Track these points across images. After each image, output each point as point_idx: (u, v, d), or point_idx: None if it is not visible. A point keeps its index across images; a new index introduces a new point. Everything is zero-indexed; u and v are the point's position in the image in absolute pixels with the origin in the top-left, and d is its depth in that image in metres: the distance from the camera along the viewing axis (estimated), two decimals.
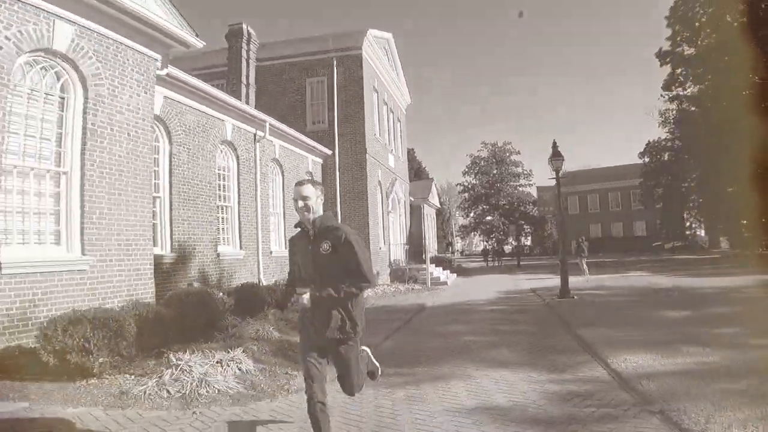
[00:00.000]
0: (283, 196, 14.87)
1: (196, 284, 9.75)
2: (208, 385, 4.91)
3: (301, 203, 3.36)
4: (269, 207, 14.02)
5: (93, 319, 5.01)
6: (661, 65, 33.76)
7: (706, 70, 30.50)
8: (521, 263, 38.10)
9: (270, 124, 13.60)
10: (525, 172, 59.11)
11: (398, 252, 23.03)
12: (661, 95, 35.03)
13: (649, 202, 44.60)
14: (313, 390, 3.25)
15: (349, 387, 3.58)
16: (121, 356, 5.14)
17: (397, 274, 20.36)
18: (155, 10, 7.70)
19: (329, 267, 3.28)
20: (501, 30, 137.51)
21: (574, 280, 14.34)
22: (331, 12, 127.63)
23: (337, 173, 18.05)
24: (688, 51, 32.89)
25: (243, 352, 5.80)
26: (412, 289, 17.72)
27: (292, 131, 15.19)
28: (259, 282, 11.83)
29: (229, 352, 5.73)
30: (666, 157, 39.71)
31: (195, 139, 10.71)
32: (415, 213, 30.31)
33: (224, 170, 12.11)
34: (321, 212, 3.42)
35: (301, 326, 3.48)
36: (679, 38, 33.50)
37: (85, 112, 6.59)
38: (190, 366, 5.15)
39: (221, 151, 11.96)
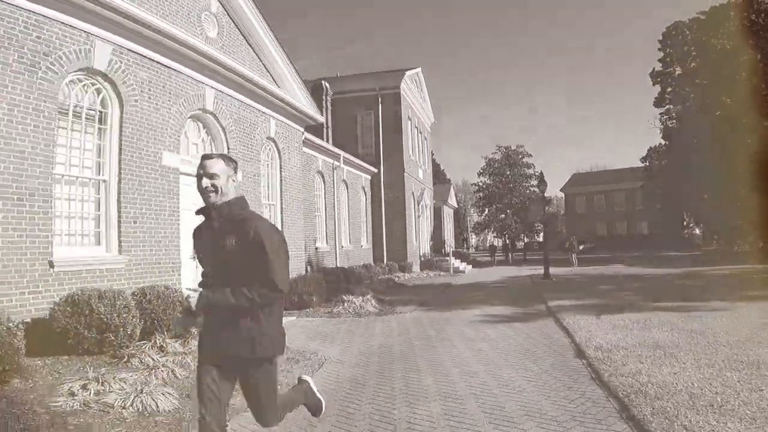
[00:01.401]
0: (348, 207, 21.20)
1: (309, 267, 16.15)
2: (364, 308, 11.30)
3: (206, 182, 2.71)
4: (341, 214, 20.38)
5: (313, 279, 11.45)
6: (654, 84, 39.59)
7: (689, 92, 36.36)
8: (527, 257, 44.16)
9: (343, 157, 19.95)
10: (536, 173, 64.95)
11: (426, 247, 29.44)
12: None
13: (650, 203, 50.19)
14: (205, 420, 2.61)
15: (260, 417, 2.87)
16: (321, 298, 11.55)
17: (426, 264, 26.76)
18: (303, 102, 14.03)
19: (235, 267, 2.66)
20: (513, 29, 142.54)
21: (564, 270, 20.47)
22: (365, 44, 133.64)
23: (382, 187, 24.40)
24: (677, 72, 38.68)
25: (371, 297, 12.18)
26: (439, 275, 24.12)
27: (354, 159, 21.54)
28: (336, 265, 18.21)
29: (363, 296, 12.11)
30: (664, 163, 45.32)
31: (303, 171, 17.08)
32: (437, 214, 36.62)
33: (316, 190, 18.47)
34: (232, 196, 2.76)
35: (200, 337, 2.85)
36: (669, 59, 39.32)
37: (281, 168, 13.02)
38: (352, 301, 11.55)
39: (315, 177, 18.33)
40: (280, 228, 12.81)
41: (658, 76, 39.13)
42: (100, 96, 7.78)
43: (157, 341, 6.34)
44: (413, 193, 26.80)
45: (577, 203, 63.55)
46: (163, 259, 8.57)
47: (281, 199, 13.16)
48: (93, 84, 7.66)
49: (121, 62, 7.95)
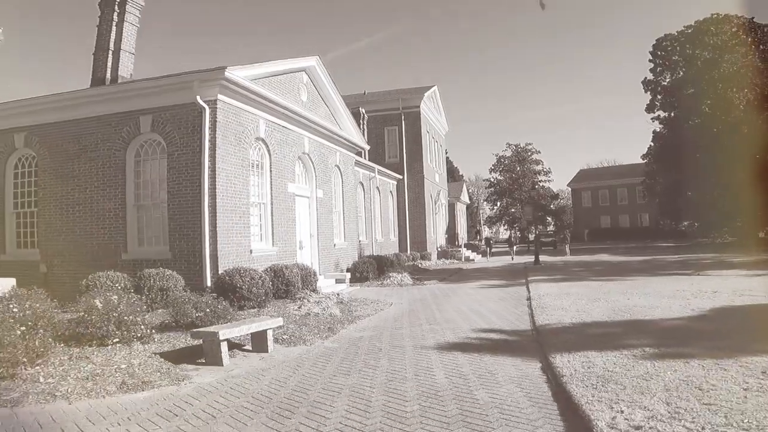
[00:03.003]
0: (380, 208, 27.36)
1: (358, 255, 22.34)
2: (403, 282, 17.56)
3: None
4: (375, 214, 26.56)
5: (368, 262, 17.71)
6: (645, 92, 45.12)
7: (674, 100, 42.00)
8: (530, 248, 50.11)
9: (377, 169, 26.11)
10: (545, 169, 70.95)
11: (441, 240, 35.62)
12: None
13: (651, 198, 55.72)
14: None
15: None
16: (374, 275, 17.81)
17: (443, 254, 32.94)
18: (355, 136, 20.18)
19: None
20: (519, 29, 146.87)
21: (557, 258, 26.52)
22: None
23: (406, 191, 30.55)
24: (666, 81, 44.17)
25: (407, 274, 18.41)
26: (453, 262, 30.28)
27: (385, 170, 27.68)
28: (371, 255, 24.39)
29: (401, 274, 18.34)
30: (654, 166, 50.83)
31: (359, 186, 23.25)
32: (451, 209, 42.69)
33: (358, 196, 24.63)
34: None
35: None
36: (659, 69, 44.81)
37: (343, 184, 19.24)
38: (395, 276, 17.80)
39: (357, 186, 24.48)
40: (344, 228, 19.03)
41: (648, 84, 44.60)
42: (260, 152, 13.99)
43: (308, 291, 12.56)
44: (431, 194, 32.92)
45: (584, 197, 69.18)
46: (289, 248, 14.82)
47: (343, 208, 19.39)
48: (258, 146, 13.86)
49: (269, 130, 14.16)
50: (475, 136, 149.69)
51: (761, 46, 40.18)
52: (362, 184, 24.72)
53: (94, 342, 6.87)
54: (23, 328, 5.89)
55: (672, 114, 42.87)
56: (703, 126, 38.63)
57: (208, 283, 11.23)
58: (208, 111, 11.72)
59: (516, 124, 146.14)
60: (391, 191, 29.53)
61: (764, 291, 11.14)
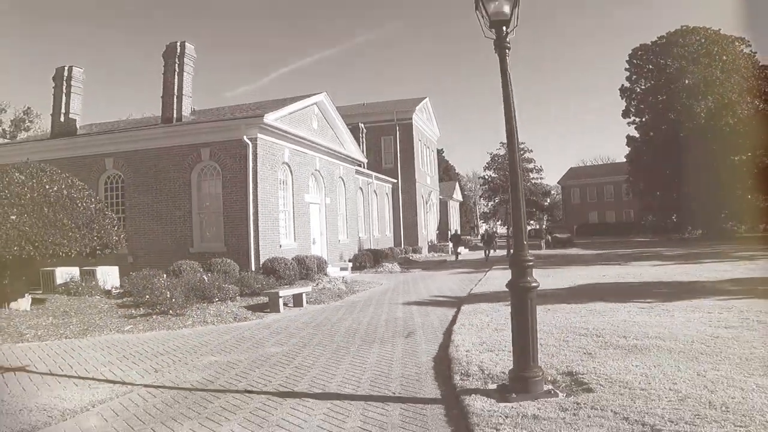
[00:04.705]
0: (377, 208, 32.61)
1: (358, 248, 27.65)
2: (393, 270, 22.87)
3: None
4: (372, 213, 31.82)
5: (366, 254, 23.04)
6: (621, 98, 50.15)
7: (644, 108, 47.10)
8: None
9: (374, 175, 31.34)
10: (537, 167, 76.09)
11: (432, 235, 40.94)
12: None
13: (634, 195, 60.81)
14: None
15: None
16: (370, 264, 23.13)
17: (433, 248, 38.25)
18: (355, 152, 25.43)
19: None
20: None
21: (534, 252, 31.78)
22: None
23: (400, 193, 35.81)
24: (639, 89, 49.17)
25: (397, 264, 23.71)
26: (440, 255, 35.58)
27: (381, 176, 32.92)
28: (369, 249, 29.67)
29: (392, 264, 23.64)
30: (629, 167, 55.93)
31: (359, 191, 28.49)
32: (443, 207, 47.96)
33: (358, 199, 29.85)
34: None
35: None
36: (634, 77, 49.78)
37: (345, 192, 24.52)
38: (386, 266, 23.11)
39: (359, 192, 29.70)
40: (346, 227, 24.33)
41: (624, 91, 49.66)
42: (285, 173, 19.22)
43: (322, 274, 17.84)
44: (422, 195, 38.17)
45: (573, 194, 74.37)
46: (305, 243, 20.09)
47: (346, 211, 24.67)
48: (283, 168, 19.09)
49: (291, 155, 19.38)
50: (471, 133, 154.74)
51: (724, 57, 44.97)
52: (361, 189, 29.98)
53: (204, 300, 12.15)
54: (168, 292, 11.20)
55: (644, 120, 47.96)
56: (669, 132, 43.79)
57: (252, 268, 16.49)
58: (251, 146, 16.96)
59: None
60: (387, 193, 34.78)
61: (632, 275, 16.46)
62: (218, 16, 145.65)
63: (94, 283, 14.63)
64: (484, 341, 7.43)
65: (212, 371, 6.79)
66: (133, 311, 11.26)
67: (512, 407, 4.63)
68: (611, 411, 4.30)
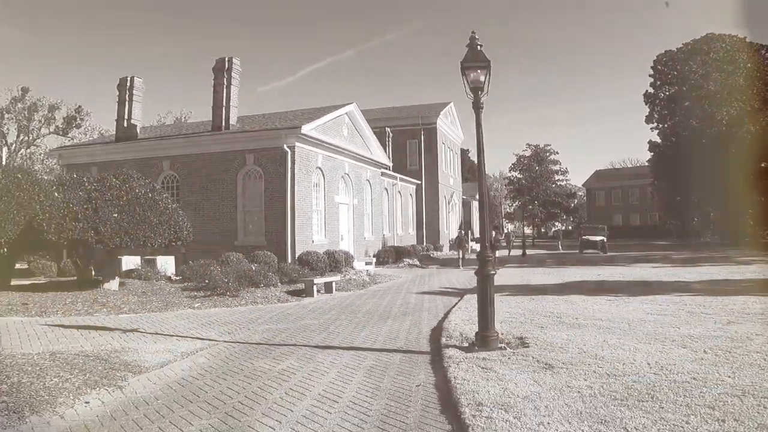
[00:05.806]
0: (401, 207, 35.16)
1: (382, 245, 30.26)
2: (413, 265, 25.43)
3: None
4: (396, 212, 34.38)
5: (389, 251, 25.66)
6: (645, 104, 51.51)
7: (667, 114, 48.44)
8: (536, 243, 57.20)
9: (399, 177, 33.89)
10: (562, 169, 77.53)
11: (453, 234, 43.29)
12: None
13: (659, 198, 61.99)
14: None
15: None
16: (393, 259, 25.74)
17: (453, 246, 40.60)
18: (381, 157, 28.03)
19: None
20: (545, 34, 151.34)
21: (548, 252, 33.92)
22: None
23: (424, 194, 38.30)
24: (664, 95, 50.44)
25: (417, 260, 26.28)
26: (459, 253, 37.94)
27: (406, 177, 35.46)
28: (393, 246, 32.26)
29: (412, 260, 26.20)
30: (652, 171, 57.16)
31: (384, 191, 31.11)
32: (466, 207, 50.25)
33: (383, 198, 32.45)
34: None
35: None
36: (658, 83, 51.06)
37: (372, 193, 27.16)
38: (408, 262, 25.68)
39: (384, 192, 32.29)
40: (372, 225, 27.01)
41: (648, 97, 51.01)
42: (318, 177, 21.92)
43: (348, 267, 20.50)
44: (444, 196, 40.58)
45: (598, 197, 75.63)
46: (335, 239, 22.78)
47: (372, 210, 27.32)
48: (317, 173, 21.79)
49: (324, 161, 22.07)
50: (497, 133, 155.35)
51: (749, 65, 45.99)
52: (387, 190, 32.58)
53: (252, 286, 14.90)
54: (225, 278, 13.98)
55: (667, 126, 49.31)
56: (692, 138, 45.13)
57: (289, 260, 19.24)
58: (289, 152, 19.69)
59: (537, 119, 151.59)
60: (411, 194, 37.30)
61: (623, 275, 18.68)
62: (252, 20, 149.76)
63: (156, 270, 17.60)
64: (470, 318, 9.94)
65: (269, 334, 9.46)
66: (195, 293, 14.10)
67: (473, 354, 7.14)
68: (531, 357, 6.80)
